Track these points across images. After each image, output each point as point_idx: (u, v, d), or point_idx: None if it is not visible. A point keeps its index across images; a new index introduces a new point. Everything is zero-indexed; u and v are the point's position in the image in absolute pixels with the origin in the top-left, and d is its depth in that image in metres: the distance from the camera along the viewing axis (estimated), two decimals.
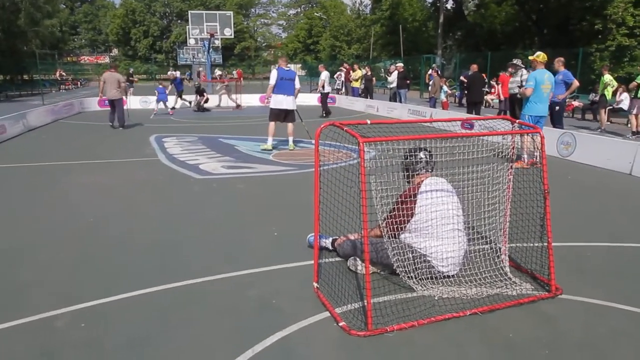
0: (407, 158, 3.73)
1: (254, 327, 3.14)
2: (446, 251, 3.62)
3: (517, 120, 3.79)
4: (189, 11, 31.42)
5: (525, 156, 7.83)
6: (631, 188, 7.21)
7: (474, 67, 15.40)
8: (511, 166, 3.82)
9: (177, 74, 22.28)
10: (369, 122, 3.37)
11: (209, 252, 4.46)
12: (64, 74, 45.14)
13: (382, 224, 3.53)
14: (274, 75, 9.68)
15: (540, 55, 8.31)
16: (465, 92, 15.49)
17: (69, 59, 66.80)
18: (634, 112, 12.24)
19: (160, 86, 18.73)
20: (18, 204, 6.17)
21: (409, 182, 3.77)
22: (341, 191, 3.69)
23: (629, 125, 12.99)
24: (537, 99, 8.13)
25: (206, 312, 3.35)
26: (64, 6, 70.81)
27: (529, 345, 2.94)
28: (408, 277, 3.55)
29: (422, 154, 3.75)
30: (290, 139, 10.11)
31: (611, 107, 15.04)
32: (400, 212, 3.59)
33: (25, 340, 3.01)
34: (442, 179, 3.78)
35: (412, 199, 3.64)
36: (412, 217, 3.63)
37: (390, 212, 3.60)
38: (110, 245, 4.65)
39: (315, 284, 3.63)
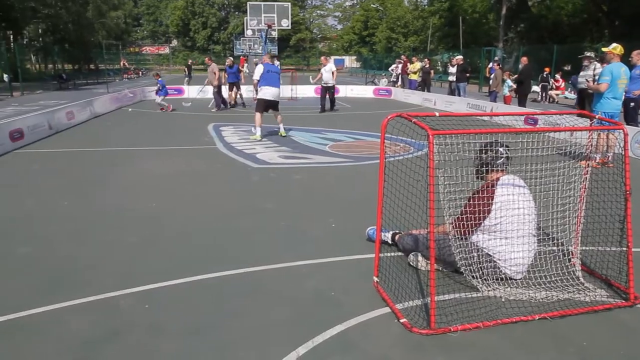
0: (484, 153, 3.53)
1: (313, 318, 3.11)
2: (515, 252, 3.44)
3: (597, 116, 3.54)
4: (248, 2, 31.79)
5: (597, 155, 7.38)
6: None
7: (525, 60, 15.07)
8: (587, 164, 3.58)
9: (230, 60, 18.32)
10: (437, 114, 3.24)
11: (267, 241, 4.47)
12: (126, 64, 46.99)
13: (450, 221, 3.39)
14: (259, 69, 9.92)
15: (617, 48, 7.71)
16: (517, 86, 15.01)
17: (131, 49, 69.48)
18: None
19: (160, 79, 16.81)
20: (84, 187, 6.43)
21: (480, 179, 3.60)
22: (403, 185, 3.58)
23: None
24: (612, 94, 7.58)
25: (265, 300, 3.35)
26: None
27: (605, 356, 2.75)
28: (472, 276, 3.41)
29: (502, 149, 3.53)
30: (281, 125, 10.48)
31: None
32: (475, 210, 3.42)
33: (92, 318, 3.11)
34: (517, 177, 3.58)
35: (489, 195, 3.46)
36: (488, 214, 3.46)
37: (463, 209, 3.45)
38: (171, 230, 4.76)
39: (375, 278, 3.55)
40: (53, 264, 3.96)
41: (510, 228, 3.46)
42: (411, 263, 3.90)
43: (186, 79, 30.63)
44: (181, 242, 4.44)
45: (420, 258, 3.84)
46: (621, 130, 3.34)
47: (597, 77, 10.51)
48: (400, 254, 4.09)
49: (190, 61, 33.36)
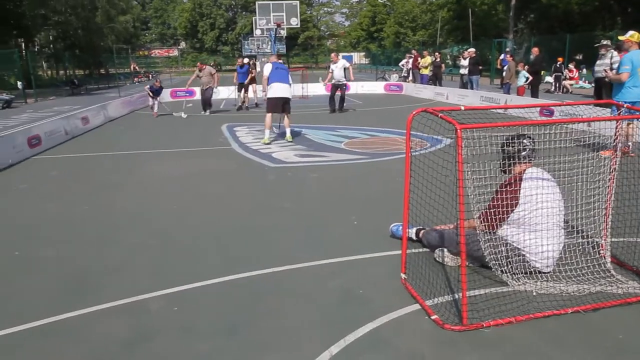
0: (509, 145, 3.49)
1: (343, 317, 3.10)
2: (543, 245, 3.40)
3: (626, 105, 3.48)
4: (257, 2, 31.80)
5: (630, 144, 7.22)
6: None
7: (536, 51, 15.13)
8: (616, 155, 3.53)
9: (245, 60, 18.03)
10: (462, 107, 3.20)
11: (290, 241, 4.47)
12: (137, 67, 47.29)
13: (477, 215, 3.36)
14: (267, 67, 9.57)
15: (635, 35, 7.49)
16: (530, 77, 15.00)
17: (141, 52, 69.93)
18: None
19: (155, 86, 15.63)
20: (103, 191, 6.48)
21: (506, 172, 3.56)
22: (425, 180, 3.54)
23: None
24: (633, 83, 7.34)
25: (294, 300, 3.35)
26: (136, 2, 74.11)
27: None
28: (501, 270, 3.38)
29: (526, 141, 3.49)
30: (288, 130, 9.84)
31: None
32: (502, 202, 3.38)
33: (124, 321, 3.13)
34: (542, 169, 3.54)
35: (516, 188, 3.43)
36: (515, 207, 3.42)
37: (490, 203, 3.42)
38: (194, 232, 4.78)
39: (402, 275, 3.53)
40: (79, 268, 4.00)
41: (538, 221, 3.41)
42: (437, 259, 3.87)
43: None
44: (205, 243, 4.45)
45: (446, 253, 3.81)
46: None
47: (614, 66, 10.37)
48: (426, 250, 4.06)
49: (212, 62, 33.70)
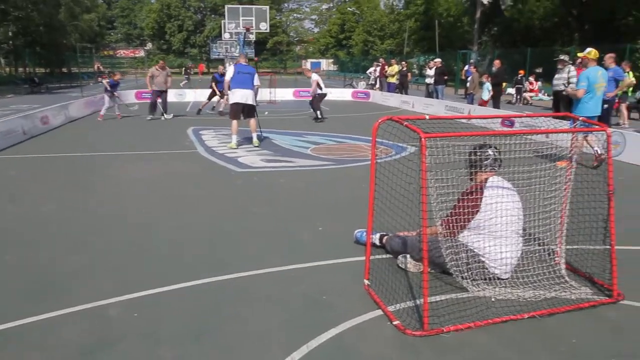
0: (473, 154, 3.59)
1: (307, 323, 3.11)
2: (502, 252, 3.50)
3: (581, 118, 3.63)
4: (226, 5, 31.52)
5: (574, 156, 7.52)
6: None
7: (498, 63, 15.82)
8: (571, 166, 3.67)
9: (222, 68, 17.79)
10: (427, 117, 3.27)
11: (255, 246, 4.45)
12: (101, 67, 46.17)
13: (440, 222, 3.43)
14: (230, 70, 9.40)
15: (592, 52, 7.77)
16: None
17: (105, 52, 68.38)
18: None
19: (114, 79, 15.33)
20: (66, 193, 6.30)
21: (471, 180, 3.66)
22: (389, 188, 3.61)
23: None
24: (589, 98, 7.57)
25: (257, 306, 3.33)
26: (102, 1, 72.54)
27: (595, 352, 2.82)
28: (461, 277, 3.46)
29: (490, 151, 3.60)
30: (254, 135, 9.72)
31: None
32: (464, 209, 3.47)
33: (81, 328, 3.05)
34: (504, 179, 3.65)
35: (478, 196, 3.52)
36: (476, 215, 3.51)
37: (452, 210, 3.50)
38: (159, 236, 4.70)
39: (366, 281, 3.57)
40: (40, 272, 3.88)
41: (498, 228, 3.51)
42: (400, 265, 3.92)
43: (184, 82, 30.55)
44: (170, 248, 4.39)
45: (409, 260, 3.87)
46: (604, 132, 3.42)
47: (571, 80, 10.77)
48: (389, 256, 4.11)
49: (190, 64, 33.40)
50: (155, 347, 2.84)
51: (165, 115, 14.37)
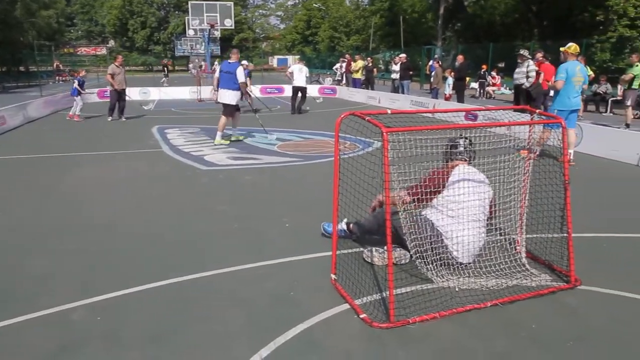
0: (448, 145, 3.80)
1: (274, 319, 3.11)
2: (463, 236, 3.60)
3: (537, 111, 3.73)
4: (189, 1, 31.07)
5: (538, 148, 7.66)
6: (639, 179, 7.18)
7: (461, 58, 16.13)
8: (530, 157, 3.78)
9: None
10: (389, 111, 3.31)
11: (222, 244, 4.42)
12: (60, 65, 44.80)
13: (406, 190, 3.53)
14: (217, 70, 9.61)
15: (572, 47, 7.77)
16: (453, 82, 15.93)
17: (65, 50, 66.38)
18: (628, 103, 12.20)
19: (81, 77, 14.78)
20: (26, 196, 6.11)
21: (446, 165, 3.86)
22: (357, 181, 3.63)
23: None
24: (568, 92, 7.64)
25: (224, 304, 3.32)
26: None
27: (554, 337, 2.92)
28: (424, 262, 3.52)
29: (461, 141, 3.80)
30: (219, 134, 9.64)
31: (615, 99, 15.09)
32: (429, 184, 3.62)
33: (43, 334, 2.97)
34: (478, 170, 3.78)
35: (445, 175, 3.70)
36: (440, 192, 3.68)
37: (418, 182, 3.60)
38: (122, 238, 4.60)
39: (332, 276, 3.59)
40: (1, 277, 3.75)
41: (460, 213, 3.63)
42: (366, 259, 3.97)
43: (164, 79, 29.94)
44: (135, 248, 4.31)
45: (374, 253, 3.92)
46: (560, 124, 3.53)
47: (530, 74, 11.06)
48: (355, 250, 4.15)
49: (168, 61, 32.84)
50: (119, 351, 2.79)
51: (144, 107, 14.21)
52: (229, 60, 9.60)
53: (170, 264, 3.96)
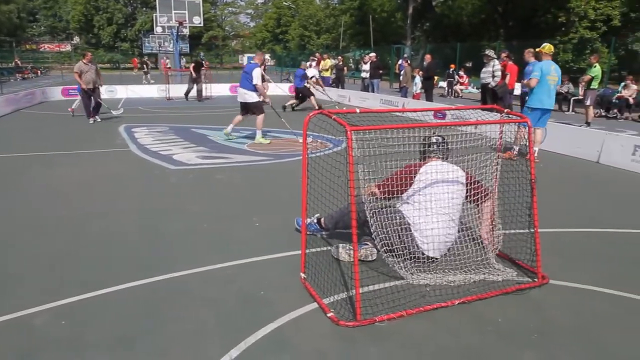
0: (423, 141, 3.88)
1: (244, 319, 3.09)
2: (432, 229, 3.65)
3: (506, 110, 3.81)
4: None
5: (516, 147, 7.84)
6: (600, 175, 7.43)
7: (429, 58, 16.53)
8: (498, 156, 3.85)
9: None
10: (358, 110, 3.33)
11: (191, 245, 4.36)
12: (19, 62, 43.34)
13: (376, 184, 3.60)
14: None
15: (546, 47, 7.88)
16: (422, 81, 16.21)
17: (27, 46, 64.35)
18: (588, 102, 12.61)
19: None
20: None
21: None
22: (326, 180, 3.64)
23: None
24: (543, 91, 7.74)
25: (193, 305, 3.27)
26: None
27: (519, 331, 2.99)
28: (392, 256, 3.55)
29: (433, 139, 3.89)
30: (258, 132, 9.71)
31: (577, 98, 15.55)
32: (399, 178, 3.69)
33: (3, 340, 2.87)
34: (453, 166, 3.83)
35: (415, 169, 3.77)
36: (408, 186, 3.75)
37: (389, 176, 3.67)
38: (88, 239, 4.49)
39: (302, 274, 3.59)
40: None
41: (429, 205, 3.68)
42: (333, 255, 3.99)
43: (147, 76, 29.24)
44: (99, 251, 4.20)
45: (341, 250, 3.95)
46: (526, 123, 3.61)
47: (496, 74, 11.30)
48: (324, 249, 4.16)
49: (146, 58, 32.19)
50: (86, 355, 2.73)
51: (113, 112, 13.30)
52: (251, 61, 9.66)
53: (139, 265, 3.89)
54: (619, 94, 14.83)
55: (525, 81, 8.27)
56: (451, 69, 22.60)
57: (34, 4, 71.82)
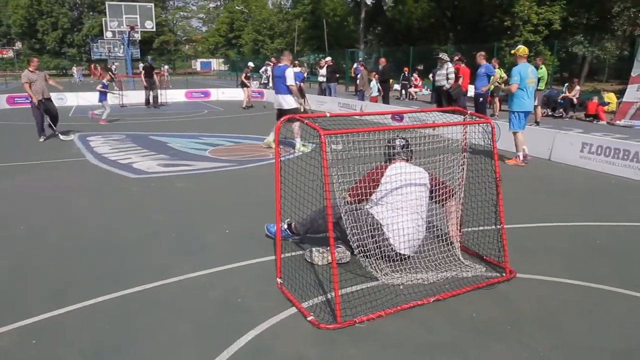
0: (386, 144, 3.95)
1: (224, 328, 3.06)
2: (402, 228, 3.74)
3: (469, 112, 3.95)
4: (107, 2, 29.63)
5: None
6: (552, 172, 7.78)
7: (383, 61, 16.74)
8: (464, 156, 3.98)
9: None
10: (328, 114, 3.37)
11: (161, 255, 4.27)
12: None
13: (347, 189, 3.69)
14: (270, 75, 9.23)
15: (521, 49, 7.90)
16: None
17: None
18: (536, 103, 13.16)
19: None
20: None
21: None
22: (297, 183, 3.67)
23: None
24: (524, 94, 7.78)
25: (169, 317, 3.21)
26: None
27: (492, 324, 3.11)
28: (366, 257, 3.63)
29: (397, 142, 3.97)
30: (297, 140, 8.88)
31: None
32: (365, 182, 3.79)
33: None
34: (417, 167, 3.94)
35: (381, 172, 3.87)
36: (376, 187, 3.87)
37: (356, 182, 3.75)
38: (50, 255, 4.32)
39: (278, 280, 3.60)
40: None
41: (398, 206, 3.80)
42: (307, 259, 4.01)
43: (113, 84, 28.02)
44: (67, 264, 4.06)
45: (314, 253, 3.98)
46: (489, 124, 3.76)
47: (450, 76, 11.63)
48: (299, 252, 4.18)
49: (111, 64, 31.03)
50: None
51: (61, 136, 10.88)
52: (279, 64, 9.07)
53: (105, 279, 3.77)
54: (563, 95, 15.54)
55: (505, 87, 8.27)
56: (405, 72, 23.07)
57: None
